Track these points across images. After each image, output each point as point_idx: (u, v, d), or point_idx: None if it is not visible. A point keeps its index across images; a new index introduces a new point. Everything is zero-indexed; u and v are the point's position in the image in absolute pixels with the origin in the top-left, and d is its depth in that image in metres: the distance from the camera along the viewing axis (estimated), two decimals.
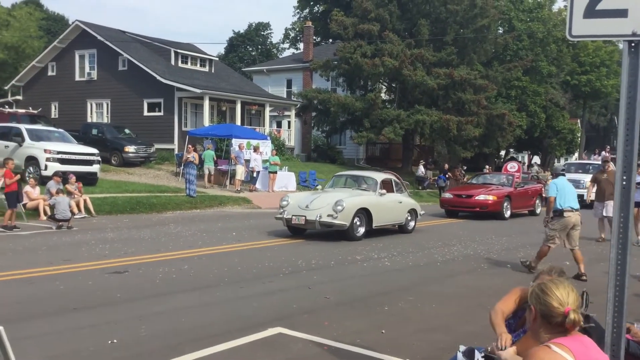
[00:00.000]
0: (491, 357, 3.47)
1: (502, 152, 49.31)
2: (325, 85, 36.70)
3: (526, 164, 48.72)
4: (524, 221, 18.79)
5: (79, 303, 6.97)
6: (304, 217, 12.79)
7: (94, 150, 20.02)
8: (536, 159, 52.83)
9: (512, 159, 47.15)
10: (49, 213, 14.70)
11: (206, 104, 29.01)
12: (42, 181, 16.94)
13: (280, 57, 59.18)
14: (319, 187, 19.87)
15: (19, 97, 34.90)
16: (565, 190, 9.74)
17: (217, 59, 38.50)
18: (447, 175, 31.01)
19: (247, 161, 23.93)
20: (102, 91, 31.92)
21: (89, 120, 31.58)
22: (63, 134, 20.98)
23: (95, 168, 19.70)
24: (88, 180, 18.85)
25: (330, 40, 47.62)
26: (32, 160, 18.67)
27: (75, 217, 14.62)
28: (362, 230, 13.23)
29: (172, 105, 29.47)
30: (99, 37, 31.29)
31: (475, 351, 3.51)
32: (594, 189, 14.09)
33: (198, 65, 34.27)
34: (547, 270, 3.70)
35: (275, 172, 24.05)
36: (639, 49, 3.20)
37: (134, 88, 30.50)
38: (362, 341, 5.78)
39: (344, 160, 37.37)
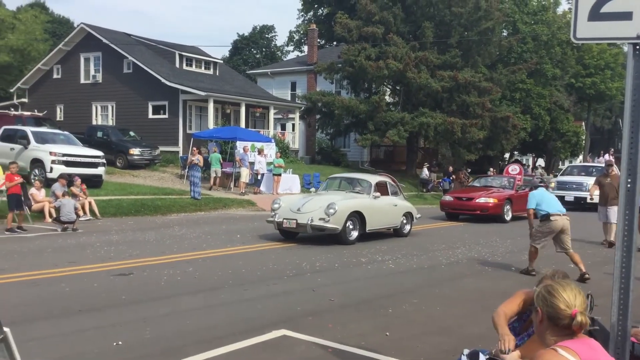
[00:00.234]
0: None
1: (507, 155, 49.23)
2: (329, 88, 36.71)
3: (530, 167, 48.62)
4: (525, 224, 18.64)
5: (84, 305, 6.99)
6: (295, 221, 12.52)
7: (99, 153, 20.08)
8: (540, 162, 52.71)
9: (517, 161, 47.03)
10: (54, 215, 14.74)
11: (211, 106, 29.07)
12: (48, 183, 17.00)
13: (285, 59, 59.25)
14: (313, 189, 19.79)
15: (25, 100, 35.02)
16: (547, 198, 9.88)
17: (221, 61, 38.57)
18: (451, 178, 30.99)
19: (252, 164, 23.96)
20: (107, 94, 32.01)
21: (94, 122, 31.65)
22: (68, 136, 21.05)
23: (100, 170, 19.75)
24: (93, 182, 18.91)
25: (335, 42, 47.62)
26: (37, 163, 18.74)
27: (80, 219, 14.66)
28: (355, 234, 12.95)
29: (177, 108, 29.54)
30: (104, 40, 31.39)
31: (480, 354, 3.51)
32: (597, 192, 13.97)
33: (203, 68, 34.34)
34: (550, 274, 3.69)
35: (280, 175, 24.06)
36: None
37: (139, 91, 30.58)
38: (367, 343, 5.77)
39: (348, 162, 37.36)
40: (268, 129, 33.26)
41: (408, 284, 8.96)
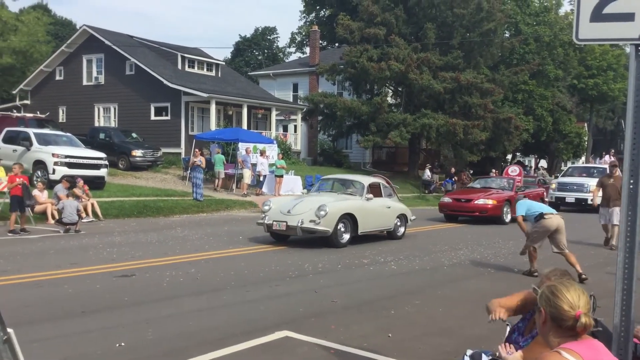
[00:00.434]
0: None
1: (509, 156, 49.21)
2: (331, 89, 36.73)
3: (533, 168, 48.58)
4: None
5: (87, 306, 7.00)
6: (285, 223, 12.20)
7: (102, 155, 20.10)
8: (543, 163, 52.68)
9: (519, 162, 46.99)
10: (56, 217, 14.77)
11: (213, 108, 29.11)
12: (50, 185, 17.02)
13: (287, 61, 59.28)
14: (304, 191, 19.67)
15: (27, 102, 35.11)
16: (535, 204, 10.27)
17: (223, 63, 38.63)
18: (453, 179, 30.96)
19: (254, 165, 23.98)
20: (109, 95, 32.08)
21: (97, 124, 31.72)
22: (71, 138, 21.08)
23: (102, 172, 19.78)
24: (95, 184, 18.93)
25: (337, 44, 47.66)
26: (40, 164, 18.77)
27: (82, 220, 14.68)
28: (347, 236, 12.65)
29: (179, 110, 29.59)
30: (107, 42, 31.46)
31: (483, 355, 3.51)
32: (600, 193, 13.88)
33: (205, 69, 34.39)
34: (548, 273, 3.69)
35: (282, 176, 24.07)
36: None
37: (141, 92, 30.64)
38: (369, 345, 5.78)
39: (350, 164, 37.37)
40: (270, 130, 33.28)
41: (410, 286, 8.96)
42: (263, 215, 12.83)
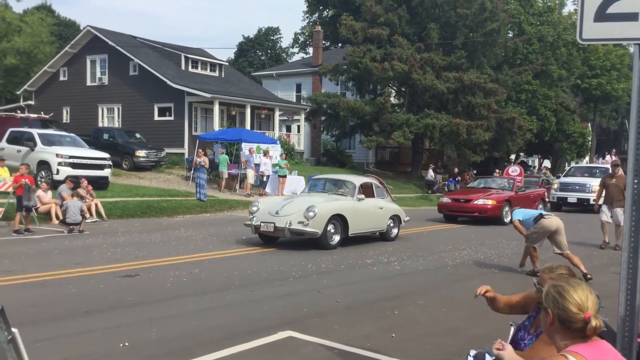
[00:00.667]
0: None
1: (513, 156, 49.16)
2: (334, 90, 36.74)
3: (536, 168, 48.51)
4: None
5: (91, 306, 7.01)
6: (272, 224, 11.88)
7: (105, 155, 20.15)
8: (546, 163, 52.59)
9: (523, 162, 46.92)
10: (61, 217, 14.80)
11: (216, 108, 29.13)
12: (54, 185, 17.07)
13: (290, 61, 59.32)
14: (295, 191, 19.49)
15: (31, 102, 35.18)
16: (530, 210, 10.67)
17: (226, 63, 38.64)
18: (457, 179, 30.92)
19: (257, 165, 24.01)
20: (113, 96, 32.13)
21: (100, 124, 31.77)
22: (74, 138, 21.14)
23: (106, 172, 19.83)
24: (99, 184, 18.98)
25: (340, 44, 47.69)
26: (44, 165, 18.83)
27: (86, 221, 14.71)
28: (337, 238, 12.30)
29: (183, 110, 29.62)
30: (110, 43, 31.51)
31: (486, 355, 3.51)
32: (603, 194, 13.63)
33: (208, 70, 34.43)
34: (549, 268, 3.66)
35: (285, 176, 24.08)
36: None
37: (145, 93, 30.68)
38: (372, 345, 5.78)
39: (354, 164, 37.38)
40: (273, 130, 33.29)
41: (413, 286, 8.96)
42: (251, 216, 12.49)
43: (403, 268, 10.41)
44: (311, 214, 11.73)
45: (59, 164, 18.52)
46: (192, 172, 22.79)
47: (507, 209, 18.53)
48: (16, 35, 39.73)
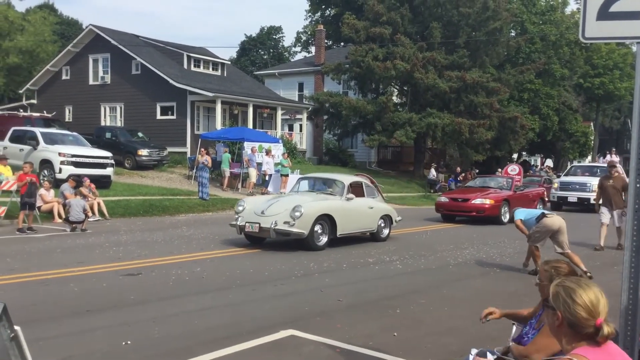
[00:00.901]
0: (503, 359, 3.47)
1: (515, 155, 49.12)
2: (336, 89, 36.74)
3: (539, 167, 48.47)
4: None
5: (93, 305, 7.02)
6: (258, 225, 11.52)
7: (108, 154, 20.17)
8: (549, 162, 52.55)
9: (525, 162, 46.88)
10: (63, 216, 14.82)
11: (218, 107, 29.16)
12: (57, 184, 17.09)
13: (292, 60, 59.32)
14: (283, 191, 19.29)
15: (34, 101, 35.24)
16: (532, 210, 10.79)
17: (229, 62, 38.67)
18: (459, 178, 30.90)
19: (259, 164, 24.03)
20: (115, 95, 32.17)
21: (103, 123, 31.82)
22: (77, 137, 21.15)
23: (108, 171, 19.84)
24: (102, 183, 18.99)
25: (342, 43, 47.65)
26: (46, 164, 18.84)
27: (89, 219, 14.73)
28: (324, 239, 11.96)
29: (185, 109, 29.65)
30: (113, 42, 31.54)
31: (488, 354, 3.51)
32: (601, 200, 13.35)
33: (210, 69, 34.45)
34: (543, 262, 3.66)
35: (287, 175, 24.09)
36: None
37: (147, 92, 30.71)
38: (374, 344, 5.78)
39: (356, 163, 37.38)
40: (275, 129, 33.32)
41: (415, 285, 8.95)
42: (236, 216, 12.10)
43: (405, 267, 10.40)
44: (297, 213, 11.39)
45: (62, 162, 18.53)
46: (195, 171, 22.81)
47: (505, 208, 18.38)
48: (19, 34, 39.81)
